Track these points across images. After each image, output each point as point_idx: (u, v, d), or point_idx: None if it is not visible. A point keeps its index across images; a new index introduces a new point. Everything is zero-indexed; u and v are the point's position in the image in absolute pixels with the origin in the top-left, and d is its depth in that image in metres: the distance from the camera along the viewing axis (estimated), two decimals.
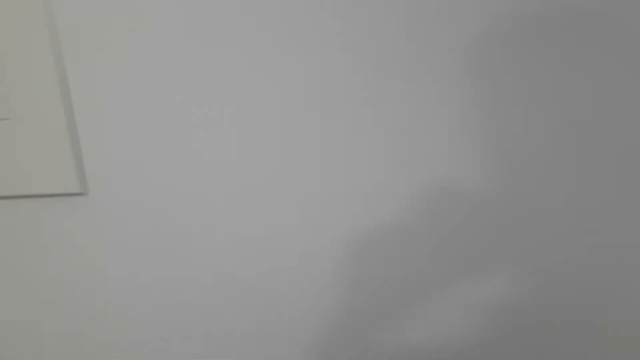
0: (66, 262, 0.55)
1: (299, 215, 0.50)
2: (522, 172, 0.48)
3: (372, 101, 0.46)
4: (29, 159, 0.51)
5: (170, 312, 0.55)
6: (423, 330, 0.53)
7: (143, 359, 0.57)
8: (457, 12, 0.43)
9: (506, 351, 0.53)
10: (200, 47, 0.45)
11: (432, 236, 0.50)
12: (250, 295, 0.53)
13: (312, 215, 0.49)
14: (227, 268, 0.52)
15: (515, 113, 0.46)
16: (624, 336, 0.52)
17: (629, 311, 0.51)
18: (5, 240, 0.56)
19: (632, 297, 0.50)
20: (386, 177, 0.48)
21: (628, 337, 0.52)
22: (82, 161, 0.51)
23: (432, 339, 0.53)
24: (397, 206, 0.49)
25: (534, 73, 0.45)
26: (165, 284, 0.54)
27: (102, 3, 0.45)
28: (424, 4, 0.43)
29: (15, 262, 0.56)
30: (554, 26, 0.43)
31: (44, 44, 0.46)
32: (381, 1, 0.43)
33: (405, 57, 0.44)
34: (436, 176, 0.47)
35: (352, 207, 0.49)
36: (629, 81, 0.44)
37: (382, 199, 0.49)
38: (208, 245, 0.52)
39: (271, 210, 0.50)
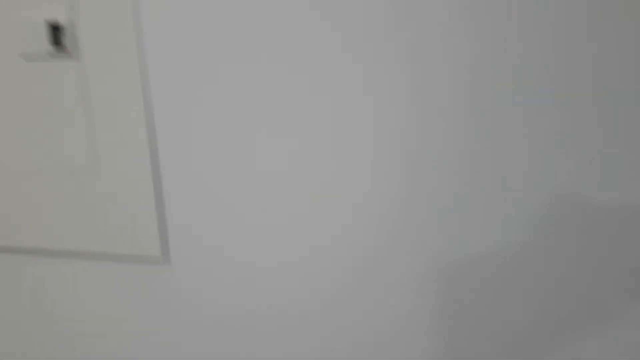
0: (138, 329, 0.52)
1: (388, 237, 0.42)
2: None
3: (485, 101, 0.38)
4: (110, 214, 0.49)
5: None
6: None
7: None
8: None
9: None
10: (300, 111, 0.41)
11: (564, 266, 0.39)
12: (341, 336, 0.47)
13: (404, 236, 0.42)
14: (313, 322, 0.47)
15: None
16: None
17: None
18: (78, 297, 0.53)
19: None
20: (496, 188, 0.39)
21: None
22: (165, 225, 0.48)
23: None
24: (513, 225, 0.39)
25: None
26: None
27: (197, 57, 0.43)
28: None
29: (84, 321, 0.53)
30: None
31: (136, 96, 0.45)
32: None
33: (540, 54, 0.37)
34: (567, 185, 0.38)
35: (452, 226, 0.41)
36: None
37: (492, 216, 0.39)
38: (294, 303, 0.47)
39: (362, 234, 0.43)
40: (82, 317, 0.53)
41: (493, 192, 0.39)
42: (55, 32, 0.45)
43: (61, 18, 0.45)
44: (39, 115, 0.48)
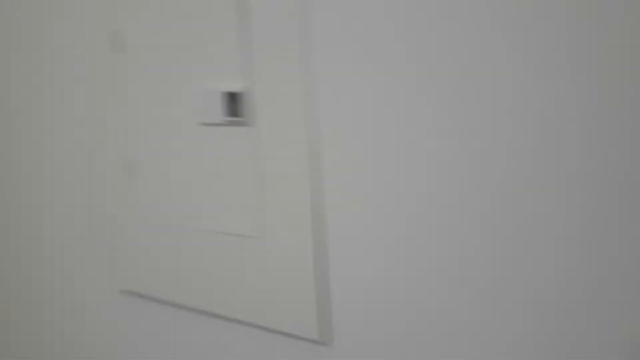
0: None
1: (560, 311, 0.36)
2: None
3: None
4: (270, 286, 0.48)
5: None
6: None
7: None
8: None
9: None
10: None
11: None
12: None
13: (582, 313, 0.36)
14: None
15: None
16: None
17: None
18: None
19: None
20: None
21: None
22: (329, 305, 0.45)
23: None
24: None
25: None
26: None
27: (369, 129, 0.40)
28: None
29: None
30: None
31: (304, 166, 0.44)
32: None
33: None
34: None
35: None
36: None
37: None
38: None
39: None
40: None
41: None
42: (232, 100, 0.46)
43: (237, 87, 0.46)
44: (212, 178, 0.49)
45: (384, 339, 0.44)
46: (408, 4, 0.38)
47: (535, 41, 0.34)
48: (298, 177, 0.44)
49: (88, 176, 0.61)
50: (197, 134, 0.49)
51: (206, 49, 0.47)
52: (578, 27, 0.33)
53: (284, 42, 0.43)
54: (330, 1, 0.41)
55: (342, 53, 0.41)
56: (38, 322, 0.74)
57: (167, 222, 0.53)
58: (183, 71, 0.49)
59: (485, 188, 0.38)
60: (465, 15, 0.36)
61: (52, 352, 0.73)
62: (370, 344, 0.44)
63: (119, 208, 0.57)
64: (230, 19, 0.45)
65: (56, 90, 0.62)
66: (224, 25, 0.46)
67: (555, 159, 0.35)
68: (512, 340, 0.39)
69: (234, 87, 0.46)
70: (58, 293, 0.69)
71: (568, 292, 0.36)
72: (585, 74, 0.33)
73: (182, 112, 0.50)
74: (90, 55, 0.56)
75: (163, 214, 0.54)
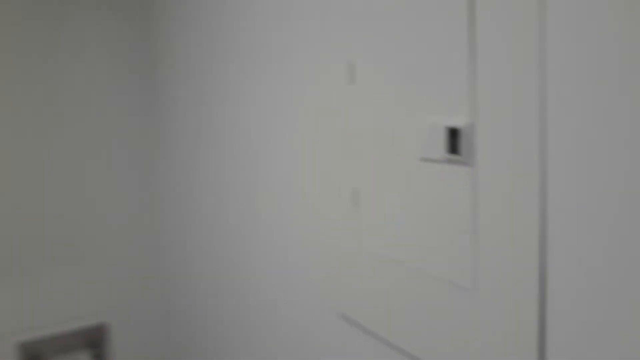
0: None
1: None
2: None
3: None
4: (482, 345, 0.43)
5: None
6: None
7: None
8: None
9: None
10: None
11: None
12: None
13: None
14: None
15: None
16: None
17: None
18: None
19: None
20: None
21: None
22: None
23: None
24: None
25: None
26: None
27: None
28: None
29: None
30: None
31: (531, 214, 0.39)
32: None
33: None
34: None
35: None
36: None
37: None
38: None
39: None
40: None
41: None
42: (453, 136, 0.44)
43: (460, 123, 0.43)
44: (427, 217, 0.47)
45: None
46: None
47: None
48: (523, 229, 0.39)
49: (316, 199, 0.64)
50: (416, 169, 0.48)
51: (431, 82, 0.46)
52: None
53: (517, 80, 0.39)
54: (568, 36, 0.37)
55: (581, 96, 0.36)
56: (261, 335, 0.80)
57: (381, 253, 0.53)
58: (408, 104, 0.48)
59: None
60: None
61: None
62: None
63: (342, 233, 0.59)
64: (461, 52, 0.42)
65: (292, 117, 0.67)
66: (453, 59, 0.43)
67: None
68: None
69: (458, 122, 0.43)
70: (284, 309, 0.74)
71: None
72: None
73: (404, 145, 0.49)
74: (328, 86, 0.59)
75: (377, 244, 0.53)
